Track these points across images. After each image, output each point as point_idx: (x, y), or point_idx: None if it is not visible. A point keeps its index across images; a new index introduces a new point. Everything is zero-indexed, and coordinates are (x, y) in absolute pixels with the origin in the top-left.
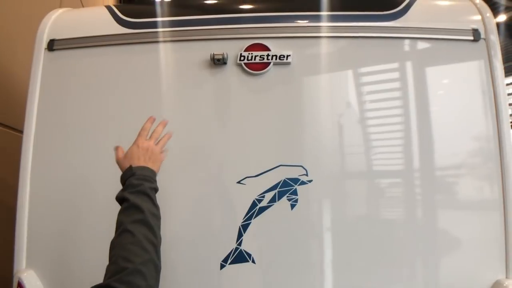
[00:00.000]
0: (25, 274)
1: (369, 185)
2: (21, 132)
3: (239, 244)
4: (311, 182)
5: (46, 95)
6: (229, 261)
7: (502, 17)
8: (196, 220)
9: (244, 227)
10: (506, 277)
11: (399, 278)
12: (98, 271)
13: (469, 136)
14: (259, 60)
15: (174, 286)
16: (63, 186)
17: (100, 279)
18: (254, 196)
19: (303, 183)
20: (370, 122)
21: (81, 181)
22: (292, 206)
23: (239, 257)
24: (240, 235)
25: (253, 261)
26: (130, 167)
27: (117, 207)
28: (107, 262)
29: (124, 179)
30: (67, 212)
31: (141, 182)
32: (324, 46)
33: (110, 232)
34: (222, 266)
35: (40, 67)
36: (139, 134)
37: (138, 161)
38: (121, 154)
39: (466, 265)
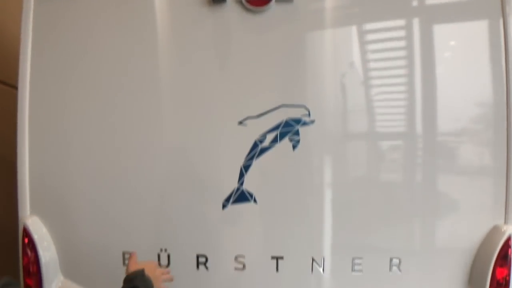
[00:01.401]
0: (30, 220)
1: (373, 126)
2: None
3: (241, 184)
4: (314, 123)
5: (38, 46)
6: (231, 201)
7: None
8: (197, 161)
9: (246, 167)
10: (505, 223)
11: (399, 223)
12: (99, 216)
13: (476, 101)
14: None
15: (176, 225)
16: (61, 135)
17: (100, 224)
18: (256, 136)
19: (305, 123)
20: (375, 65)
21: (79, 130)
22: (294, 147)
23: (241, 197)
24: (241, 175)
25: (255, 201)
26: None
27: (118, 153)
28: (107, 207)
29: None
30: (66, 160)
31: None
32: None
33: (110, 178)
34: (224, 206)
35: (31, 17)
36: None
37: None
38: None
39: (465, 212)
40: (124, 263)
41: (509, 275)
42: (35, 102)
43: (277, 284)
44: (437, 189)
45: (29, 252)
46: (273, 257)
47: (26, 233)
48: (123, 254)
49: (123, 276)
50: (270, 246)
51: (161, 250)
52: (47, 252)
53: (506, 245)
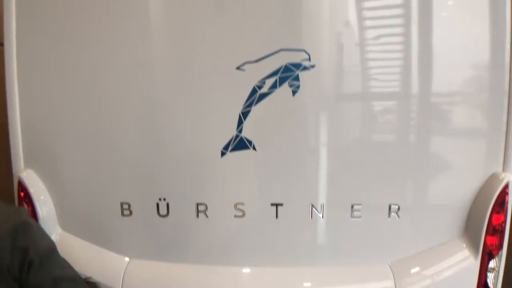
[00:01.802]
0: (24, 173)
1: (374, 74)
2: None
3: (240, 132)
4: (314, 68)
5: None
6: (229, 148)
7: None
8: (195, 107)
9: (244, 114)
10: (503, 171)
11: (398, 170)
12: (95, 167)
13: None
14: None
15: (175, 174)
16: (52, 86)
17: (97, 175)
18: (254, 82)
19: (305, 68)
20: (372, 22)
21: (72, 80)
22: (294, 92)
23: (240, 144)
24: (240, 122)
25: (254, 148)
26: None
27: (113, 102)
28: (104, 158)
29: None
30: (59, 111)
31: None
32: None
33: (105, 128)
34: (222, 154)
35: None
36: None
37: None
38: None
39: (464, 160)
40: (122, 214)
41: (505, 222)
42: (23, 57)
43: (276, 231)
44: (437, 137)
45: (25, 206)
46: (272, 204)
47: (22, 187)
48: (121, 204)
49: (121, 227)
50: (270, 193)
51: (160, 199)
52: (44, 205)
53: (503, 192)
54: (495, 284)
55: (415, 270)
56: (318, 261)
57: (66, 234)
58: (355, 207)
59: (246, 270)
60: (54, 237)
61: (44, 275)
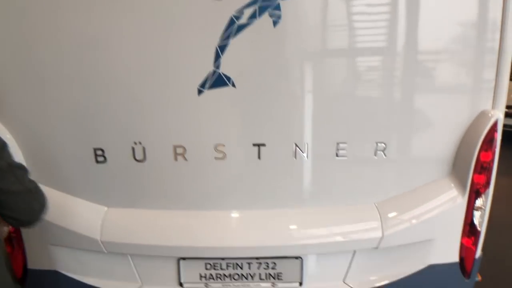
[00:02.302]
0: None
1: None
2: None
3: (217, 67)
4: None
5: None
6: (207, 86)
7: None
8: (168, 42)
9: (222, 48)
10: (492, 108)
11: (385, 106)
12: (66, 112)
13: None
14: None
15: (149, 115)
16: (14, 36)
17: (68, 121)
18: (231, 12)
19: None
20: None
21: (36, 26)
22: (275, 23)
23: (218, 81)
24: (217, 56)
25: (233, 85)
26: None
27: (83, 42)
28: (74, 102)
29: None
30: (27, 53)
31: None
32: None
33: (75, 69)
34: (200, 92)
35: None
36: None
37: None
38: None
39: (453, 97)
40: (96, 161)
41: (493, 160)
42: None
43: (259, 172)
44: (425, 75)
45: None
46: (254, 144)
47: None
48: (95, 151)
49: (97, 174)
50: (251, 133)
51: (135, 143)
52: (14, 158)
53: (492, 129)
54: (481, 223)
55: (401, 209)
56: (303, 202)
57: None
58: (341, 145)
59: (229, 214)
60: None
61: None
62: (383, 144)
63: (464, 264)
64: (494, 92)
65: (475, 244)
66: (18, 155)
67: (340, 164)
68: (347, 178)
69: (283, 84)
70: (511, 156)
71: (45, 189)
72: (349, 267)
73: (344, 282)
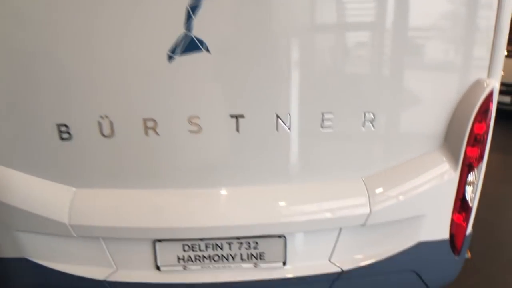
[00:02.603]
0: None
1: None
2: None
3: (189, 30)
4: None
5: None
6: (178, 51)
7: None
8: (131, 3)
9: (193, 8)
10: (488, 77)
11: (374, 73)
12: (24, 84)
13: None
14: None
15: (115, 86)
16: None
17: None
18: None
19: None
20: None
21: None
22: None
23: (190, 45)
24: (188, 17)
25: (208, 50)
26: None
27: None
28: (34, 73)
29: None
30: None
31: None
32: None
33: (29, 38)
34: (170, 58)
35: None
36: None
37: None
38: None
39: (446, 65)
40: (60, 137)
41: (487, 132)
42: None
43: (238, 145)
44: (417, 40)
45: None
46: (232, 116)
47: None
48: (58, 127)
49: (62, 153)
50: (228, 104)
51: (101, 117)
52: None
53: (487, 99)
54: (472, 199)
55: (390, 184)
56: (286, 178)
57: (0, 168)
58: (326, 116)
59: (207, 192)
60: None
61: None
62: (371, 115)
63: (454, 241)
64: (490, 60)
65: (466, 220)
66: None
67: (326, 137)
68: (332, 151)
69: (263, 49)
70: (501, 132)
71: (5, 170)
72: (335, 245)
73: (330, 261)
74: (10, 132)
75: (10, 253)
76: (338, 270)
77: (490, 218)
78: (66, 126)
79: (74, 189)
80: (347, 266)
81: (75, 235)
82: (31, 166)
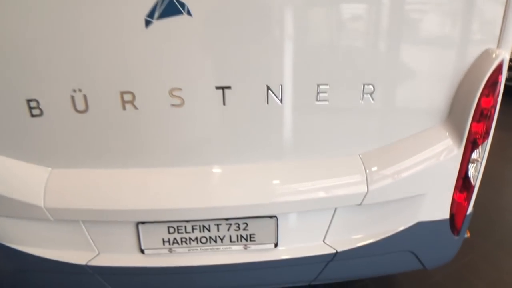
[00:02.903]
0: None
1: None
2: None
3: None
4: None
5: None
6: (156, 15)
7: None
8: None
9: None
10: (498, 47)
11: (374, 41)
12: None
13: None
14: None
15: (88, 56)
16: None
17: None
18: None
19: None
20: None
21: None
22: None
23: (169, 8)
24: None
25: (189, 13)
26: None
27: None
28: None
29: None
30: None
31: None
32: None
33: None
34: (147, 23)
35: None
36: None
37: None
38: None
39: (452, 34)
40: (31, 114)
41: (494, 107)
42: None
43: (225, 119)
44: (421, 6)
45: None
46: (218, 88)
47: None
48: (28, 102)
49: (30, 129)
50: (214, 74)
51: (74, 90)
52: None
53: (496, 71)
54: (475, 177)
55: (389, 162)
56: (277, 154)
57: None
58: (321, 87)
59: (192, 170)
60: None
61: None
62: (370, 87)
63: (454, 221)
64: (501, 29)
65: (468, 199)
66: None
67: (321, 110)
68: (328, 126)
69: (253, 12)
70: (506, 110)
71: None
72: (329, 226)
73: (324, 242)
74: None
75: None
76: (333, 251)
77: (488, 195)
78: (36, 101)
79: (49, 169)
80: (342, 247)
81: (52, 219)
82: (1, 145)
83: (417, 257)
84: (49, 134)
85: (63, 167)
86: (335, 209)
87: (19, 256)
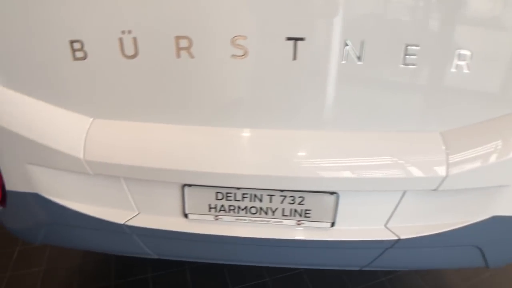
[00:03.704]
0: None
1: None
2: None
3: None
4: None
5: None
6: None
7: None
8: None
9: None
10: None
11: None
12: None
13: None
14: None
15: None
16: None
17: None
18: None
19: None
20: None
21: None
22: None
23: None
24: None
25: None
26: None
27: None
28: None
29: None
30: None
31: None
32: None
33: None
34: None
35: None
36: None
37: None
38: None
39: None
40: (73, 57)
41: None
42: None
43: (294, 77)
44: None
45: None
46: (289, 38)
47: None
48: (71, 44)
49: (75, 75)
50: (284, 23)
51: (123, 32)
52: None
53: None
54: None
55: (475, 144)
56: (349, 123)
57: (7, 92)
58: (410, 49)
59: (250, 132)
60: None
61: None
62: (467, 52)
63: None
64: None
65: None
66: None
67: (405, 75)
68: (409, 94)
69: None
70: None
71: (13, 95)
72: (395, 210)
73: (386, 227)
74: (16, 50)
75: (21, 186)
76: (394, 238)
77: None
78: (81, 43)
79: (90, 119)
80: (405, 235)
81: (91, 173)
82: (41, 90)
83: (483, 254)
84: (92, 80)
85: (105, 118)
86: (404, 192)
87: (55, 208)
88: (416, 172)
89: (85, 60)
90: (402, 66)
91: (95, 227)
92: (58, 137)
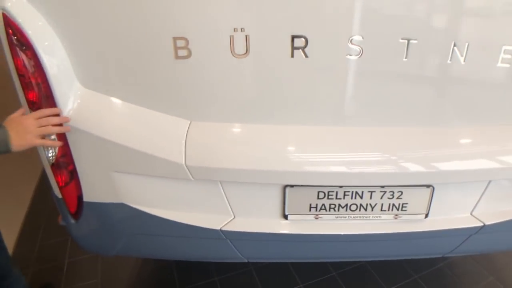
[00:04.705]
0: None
1: None
2: None
3: None
4: None
5: None
6: None
7: None
8: None
9: None
10: None
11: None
12: None
13: None
14: None
15: None
16: None
17: None
18: None
19: None
20: None
21: None
22: None
23: None
24: None
25: None
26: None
27: None
28: None
29: None
30: None
31: None
32: None
33: None
34: None
35: None
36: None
37: (10, 125)
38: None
39: None
40: (176, 55)
41: None
42: None
43: (403, 75)
44: None
45: (23, 58)
46: (403, 39)
47: (11, 26)
48: (174, 41)
49: (176, 75)
50: (399, 23)
51: (235, 30)
52: (52, 54)
53: None
54: None
55: None
56: (446, 119)
57: (91, 94)
58: (506, 48)
59: (352, 130)
60: (73, 99)
61: None
62: None
63: None
64: None
65: None
66: (58, 51)
67: (500, 73)
68: (503, 91)
69: None
70: None
71: (98, 97)
72: (480, 198)
73: (472, 215)
74: (108, 49)
75: (103, 197)
76: (480, 224)
77: None
78: (186, 40)
79: (188, 122)
80: (489, 221)
81: (192, 178)
82: (133, 92)
83: None
84: (193, 80)
85: (203, 120)
86: (489, 181)
87: (141, 218)
88: (504, 162)
89: (187, 59)
90: (498, 64)
91: (185, 234)
92: (155, 142)
